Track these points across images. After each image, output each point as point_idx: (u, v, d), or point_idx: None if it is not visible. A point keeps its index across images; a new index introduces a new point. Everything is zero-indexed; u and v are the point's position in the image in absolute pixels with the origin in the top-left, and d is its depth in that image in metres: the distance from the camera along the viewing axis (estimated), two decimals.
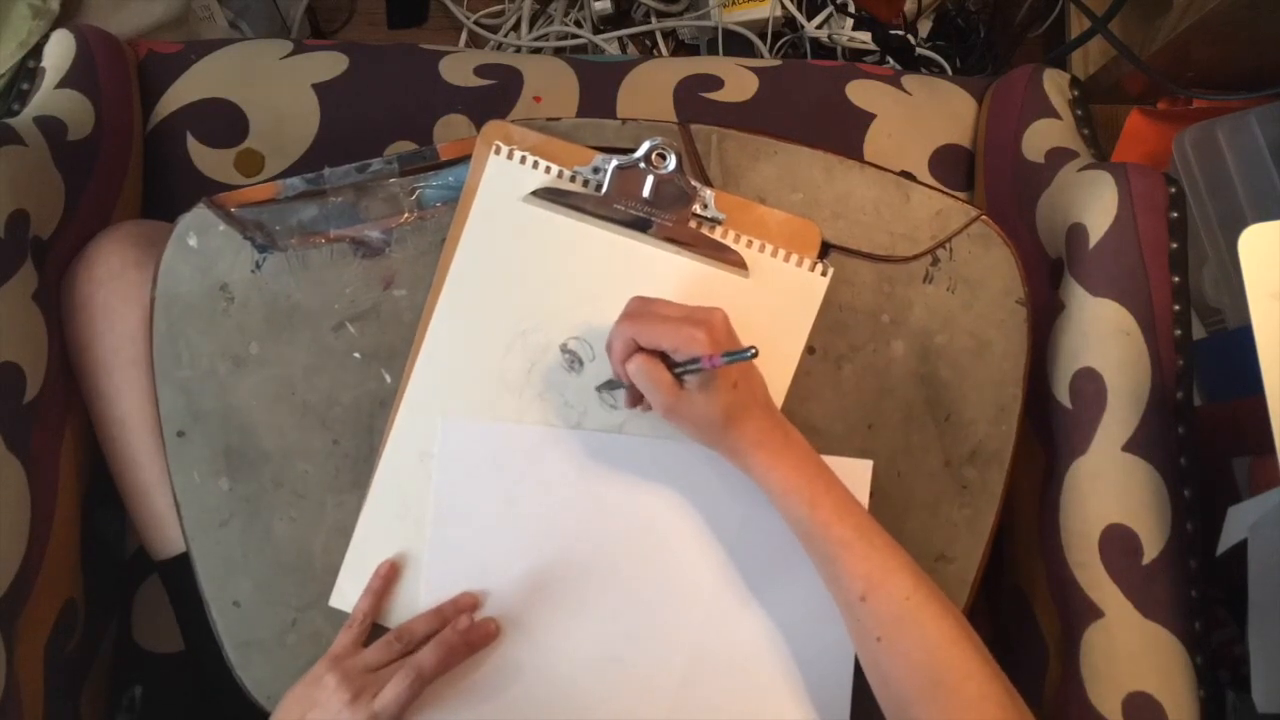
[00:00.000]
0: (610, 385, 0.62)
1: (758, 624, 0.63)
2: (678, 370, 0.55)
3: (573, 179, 0.63)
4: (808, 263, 0.64)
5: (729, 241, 0.63)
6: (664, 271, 0.64)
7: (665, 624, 0.63)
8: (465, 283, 0.64)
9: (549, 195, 0.63)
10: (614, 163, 0.63)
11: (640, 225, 0.63)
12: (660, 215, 0.63)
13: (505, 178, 0.63)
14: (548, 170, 0.63)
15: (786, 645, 0.63)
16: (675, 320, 0.55)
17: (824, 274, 0.64)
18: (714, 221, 0.64)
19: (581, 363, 0.63)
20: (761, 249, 0.64)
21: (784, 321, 0.64)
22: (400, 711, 0.56)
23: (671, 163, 0.62)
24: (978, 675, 0.52)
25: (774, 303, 0.64)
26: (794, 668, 0.62)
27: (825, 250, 0.65)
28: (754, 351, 0.53)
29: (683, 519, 0.63)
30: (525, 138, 0.64)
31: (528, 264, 0.64)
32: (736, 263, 0.63)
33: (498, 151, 0.63)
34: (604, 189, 0.63)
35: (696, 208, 0.63)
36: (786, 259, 0.64)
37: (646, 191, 0.63)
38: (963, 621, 0.54)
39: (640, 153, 0.63)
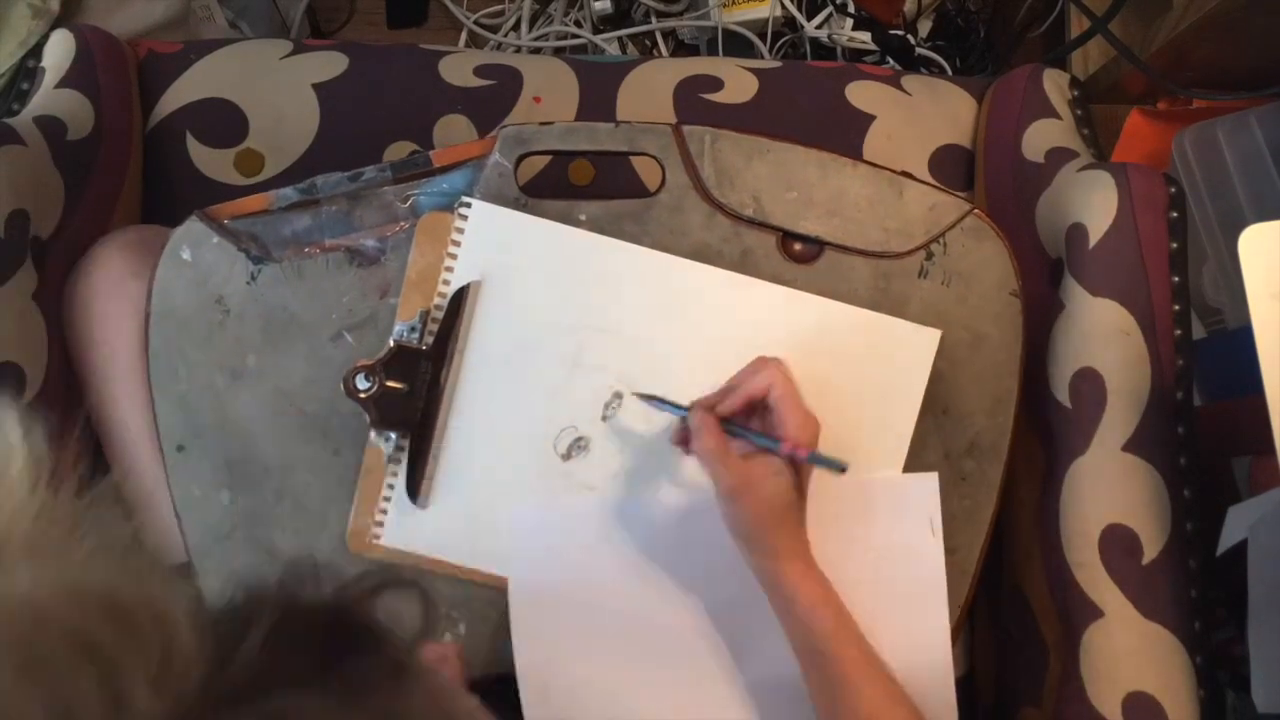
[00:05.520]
0: (612, 405, 0.62)
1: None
2: (752, 441, 0.55)
3: (397, 464, 0.63)
4: (457, 224, 0.63)
5: (444, 300, 0.63)
6: (490, 355, 0.63)
7: (759, 646, 0.62)
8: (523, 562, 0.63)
9: (418, 481, 0.62)
10: (371, 433, 0.62)
11: (439, 383, 0.63)
12: (424, 371, 0.62)
13: (408, 528, 0.63)
14: (391, 489, 0.63)
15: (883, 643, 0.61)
16: (803, 405, 0.54)
17: (469, 206, 0.63)
18: (426, 317, 0.63)
19: (582, 437, 0.63)
20: (450, 270, 0.63)
21: (528, 244, 0.63)
22: None
23: (370, 378, 0.61)
24: None
25: (504, 249, 0.63)
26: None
27: (820, 247, 0.65)
28: (845, 467, 0.53)
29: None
30: (363, 517, 0.63)
31: (487, 491, 0.63)
32: (469, 288, 0.63)
33: (379, 538, 0.63)
34: (404, 434, 0.62)
35: (414, 341, 0.62)
36: (458, 244, 0.63)
37: (403, 387, 0.62)
38: None
39: (363, 410, 0.61)
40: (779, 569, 0.55)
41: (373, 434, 0.62)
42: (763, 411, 0.56)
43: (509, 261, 0.63)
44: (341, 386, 0.61)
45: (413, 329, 0.63)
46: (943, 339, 0.65)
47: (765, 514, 0.54)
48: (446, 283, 0.63)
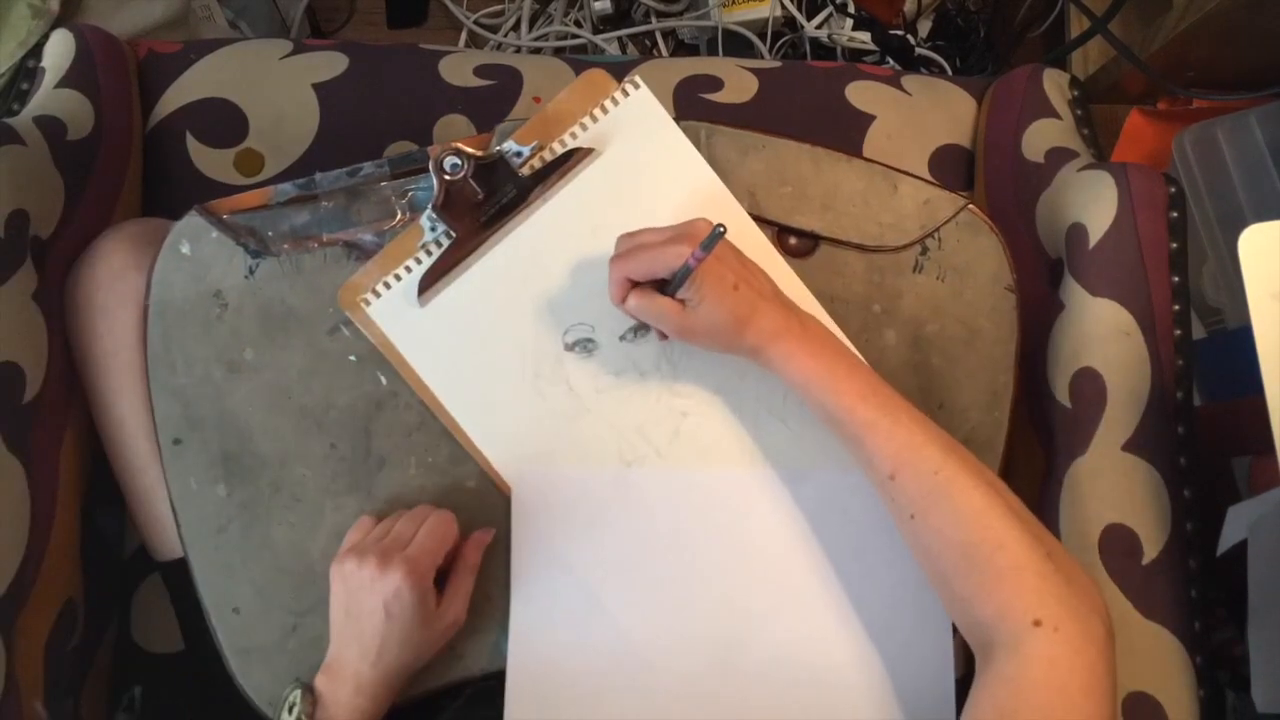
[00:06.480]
0: (634, 332, 0.63)
1: (845, 640, 0.62)
2: (672, 291, 0.56)
3: (427, 254, 0.63)
4: (617, 95, 0.65)
5: (562, 148, 0.64)
6: (563, 221, 0.64)
7: (750, 645, 0.62)
8: (454, 387, 0.64)
9: (433, 280, 0.62)
10: (428, 211, 0.62)
11: (508, 212, 0.63)
12: (504, 193, 0.63)
13: (395, 310, 0.63)
14: (408, 270, 0.63)
15: (881, 664, 0.62)
16: (658, 244, 0.56)
17: (636, 87, 0.65)
18: (537, 152, 0.64)
19: (592, 340, 0.64)
20: (584, 127, 0.64)
21: (660, 146, 0.65)
22: (439, 550, 0.57)
23: (462, 163, 0.61)
24: (1011, 545, 0.50)
25: (637, 143, 0.64)
26: (890, 688, 0.61)
27: (815, 241, 0.65)
28: (722, 229, 0.53)
29: (755, 542, 0.63)
30: (368, 277, 0.63)
31: (482, 327, 0.64)
32: (586, 154, 0.64)
33: (369, 304, 0.63)
34: (450, 232, 0.62)
35: (514, 163, 0.63)
36: (605, 112, 0.64)
37: (478, 193, 0.62)
38: (996, 490, 0.53)
39: (436, 189, 0.62)
40: (767, 361, 0.57)
41: (426, 213, 0.62)
42: None
43: (631, 156, 0.64)
44: (431, 159, 0.61)
45: (519, 154, 0.63)
46: (937, 333, 0.66)
47: (722, 328, 0.56)
48: (574, 136, 0.64)
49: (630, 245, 0.58)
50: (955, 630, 0.64)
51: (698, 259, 0.54)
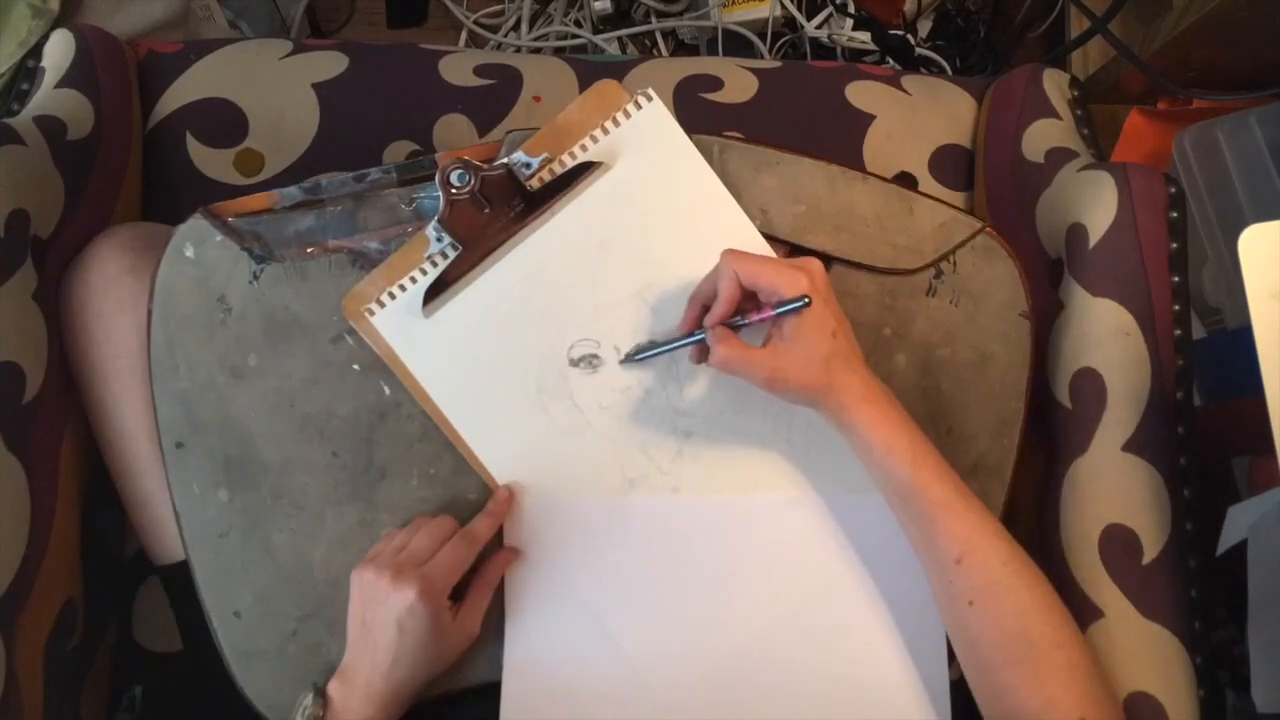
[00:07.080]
0: (639, 349, 0.62)
1: (844, 659, 0.62)
2: (739, 324, 0.57)
3: (433, 265, 0.63)
4: (629, 108, 0.64)
5: (572, 161, 0.63)
6: (571, 235, 0.63)
7: (749, 665, 0.62)
8: (456, 400, 0.63)
9: (438, 291, 0.62)
10: (433, 223, 0.62)
11: (515, 225, 0.62)
12: (512, 207, 0.62)
13: (399, 321, 0.63)
14: (413, 281, 0.63)
15: (881, 673, 0.62)
16: (777, 262, 0.56)
17: (649, 100, 0.64)
18: (547, 164, 0.63)
19: (597, 356, 0.63)
20: (595, 140, 0.64)
21: (671, 162, 0.64)
22: (455, 570, 0.57)
23: (468, 177, 0.61)
24: (1068, 644, 0.52)
25: (648, 157, 0.64)
26: (888, 705, 0.62)
27: (827, 262, 0.65)
28: (807, 300, 0.54)
29: (756, 562, 0.63)
30: (373, 286, 0.63)
31: (487, 340, 0.63)
32: (597, 167, 0.63)
33: (373, 314, 0.63)
34: (456, 244, 0.62)
35: (523, 175, 0.63)
36: (617, 124, 0.64)
37: (485, 206, 0.62)
38: (1053, 591, 0.54)
39: (442, 202, 0.61)
40: (848, 420, 0.56)
41: (432, 224, 0.62)
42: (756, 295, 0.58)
43: (642, 170, 0.63)
44: (438, 173, 0.60)
45: (528, 165, 0.63)
46: (948, 358, 0.65)
47: (808, 381, 0.55)
48: (584, 148, 0.63)
49: (744, 252, 0.57)
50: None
51: (764, 318, 0.54)
